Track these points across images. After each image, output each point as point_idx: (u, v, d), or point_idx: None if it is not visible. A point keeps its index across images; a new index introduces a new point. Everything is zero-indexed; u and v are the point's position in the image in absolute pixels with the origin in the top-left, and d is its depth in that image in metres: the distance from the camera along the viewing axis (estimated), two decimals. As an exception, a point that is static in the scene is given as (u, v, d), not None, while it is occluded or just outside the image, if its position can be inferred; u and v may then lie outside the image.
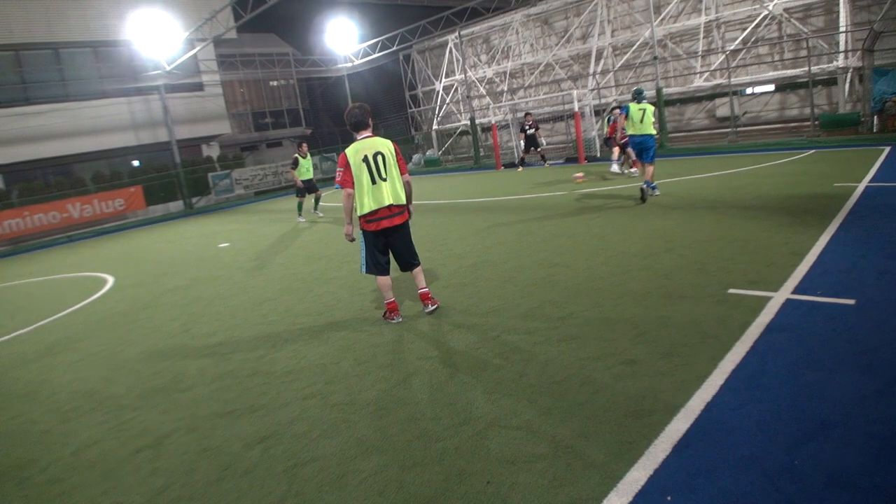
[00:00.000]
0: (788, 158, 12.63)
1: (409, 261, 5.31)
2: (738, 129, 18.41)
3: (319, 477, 2.95)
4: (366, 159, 4.95)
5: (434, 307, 5.38)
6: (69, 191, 22.12)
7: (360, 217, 5.06)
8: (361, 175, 4.96)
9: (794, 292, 4.56)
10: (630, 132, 10.54)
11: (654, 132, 10.23)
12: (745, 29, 19.40)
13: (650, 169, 10.10)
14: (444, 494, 2.64)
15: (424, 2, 28.79)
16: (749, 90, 20.34)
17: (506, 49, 27.31)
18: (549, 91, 24.98)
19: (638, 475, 2.58)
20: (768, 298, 4.48)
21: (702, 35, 20.25)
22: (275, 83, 32.97)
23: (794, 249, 5.65)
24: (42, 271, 13.12)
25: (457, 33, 26.23)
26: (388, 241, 5.18)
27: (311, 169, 14.90)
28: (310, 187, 14.88)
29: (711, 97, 20.99)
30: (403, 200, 5.14)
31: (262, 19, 20.00)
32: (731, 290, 4.76)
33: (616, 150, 14.49)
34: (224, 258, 10.60)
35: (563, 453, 2.82)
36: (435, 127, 30.08)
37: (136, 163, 25.73)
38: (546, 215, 9.93)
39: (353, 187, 5.00)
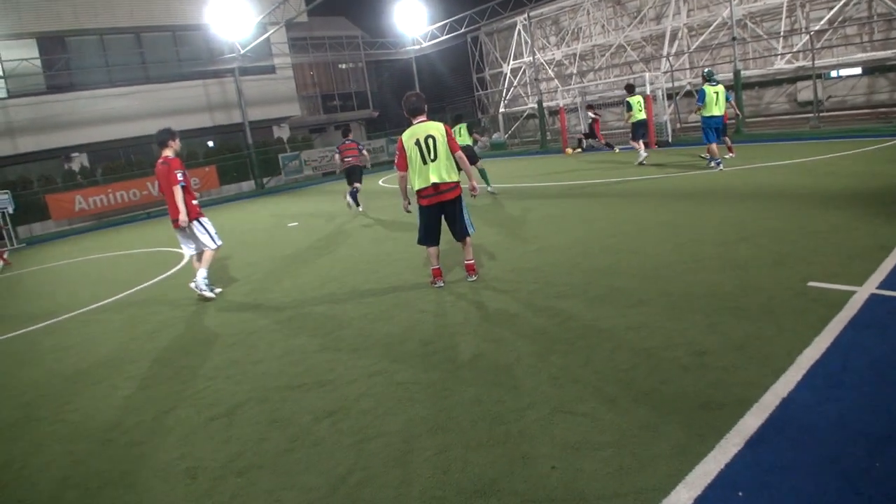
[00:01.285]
0: (876, 146, 11.87)
1: (461, 231, 5.81)
2: (822, 114, 17.42)
3: (385, 452, 3.01)
4: (418, 143, 5.53)
5: (475, 277, 5.95)
6: (148, 169, 23.17)
7: (416, 193, 5.70)
8: (414, 157, 5.57)
9: (879, 287, 4.29)
10: (709, 114, 11.24)
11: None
12: (831, 8, 18.24)
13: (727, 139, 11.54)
14: (509, 477, 2.65)
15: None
16: (834, 73, 19.18)
17: (576, 30, 26.71)
18: (620, 74, 24.30)
19: (708, 468, 2.51)
20: (852, 293, 4.24)
21: (784, 14, 19.19)
22: (343, 66, 33.43)
23: (881, 242, 5.31)
24: (124, 245, 13.87)
25: (526, 15, 25.84)
26: (442, 213, 5.75)
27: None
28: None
29: (793, 80, 19.91)
30: (453, 178, 5.64)
31: (333, 3, 20.36)
32: (811, 283, 4.52)
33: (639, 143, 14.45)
34: (293, 236, 10.91)
35: (630, 442, 2.77)
36: (502, 110, 29.85)
37: (210, 143, 26.71)
38: (612, 201, 9.74)
39: (405, 169, 5.65)
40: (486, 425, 3.13)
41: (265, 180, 25.19)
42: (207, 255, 6.99)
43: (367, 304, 5.76)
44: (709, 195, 8.99)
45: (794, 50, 19.02)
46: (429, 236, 5.79)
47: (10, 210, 18.34)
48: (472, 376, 3.76)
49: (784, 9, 19.12)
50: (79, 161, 23.51)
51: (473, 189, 5.97)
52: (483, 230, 8.72)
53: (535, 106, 26.04)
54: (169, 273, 9.19)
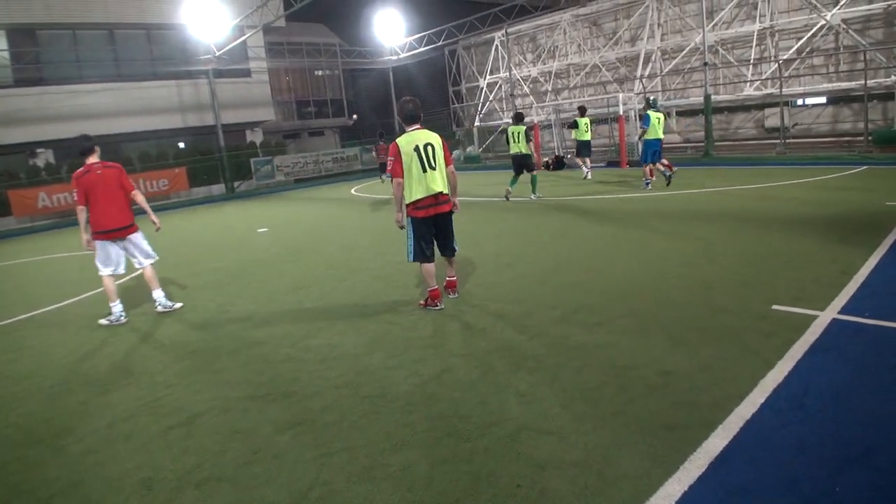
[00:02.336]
0: (839, 174, 12.23)
1: (451, 247, 5.59)
2: (788, 140, 17.91)
3: (349, 468, 2.96)
4: (417, 149, 5.20)
5: (456, 295, 5.73)
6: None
7: (410, 204, 5.27)
8: (412, 164, 5.20)
9: (840, 312, 4.40)
10: (652, 137, 12.21)
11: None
12: (800, 38, 18.85)
13: (667, 162, 12.53)
14: (473, 495, 2.62)
15: (473, -3, 28.71)
16: (800, 101, 19.77)
17: (552, 48, 27.07)
18: (595, 93, 24.67)
19: (672, 490, 2.51)
20: (814, 317, 4.33)
21: (755, 43, 19.76)
22: (320, 73, 33.30)
23: (841, 268, 5.46)
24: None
25: (504, 31, 26.10)
26: (435, 228, 5.41)
27: None
28: None
29: (761, 107, 20.48)
30: (448, 191, 5.39)
31: (312, 9, 20.23)
32: (775, 306, 4.61)
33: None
34: (262, 243, 10.75)
35: (596, 462, 2.77)
36: (477, 123, 30.00)
37: (181, 144, 26.28)
38: (583, 218, 9.82)
39: (402, 177, 5.22)
40: (452, 442, 3.09)
41: (236, 184, 24.84)
42: (152, 272, 6.43)
43: (334, 313, 5.69)
44: (676, 216, 9.14)
45: (763, 77, 19.56)
46: (425, 251, 5.37)
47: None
48: (439, 391, 3.72)
49: (755, 37, 19.69)
50: (44, 157, 22.88)
51: (455, 206, 5.56)
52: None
53: (510, 121, 26.25)
54: (132, 275, 8.96)
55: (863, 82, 16.27)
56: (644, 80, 22.36)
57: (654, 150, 12.30)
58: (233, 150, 25.22)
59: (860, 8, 17.48)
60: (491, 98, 29.91)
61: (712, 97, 18.96)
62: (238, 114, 26.29)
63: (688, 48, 21.35)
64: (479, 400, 3.54)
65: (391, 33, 28.75)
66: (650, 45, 22.71)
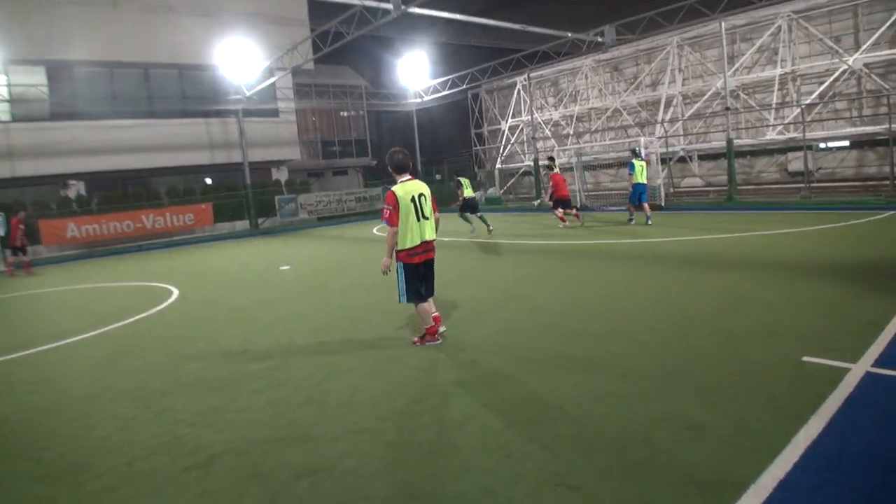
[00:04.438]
0: (866, 219, 12.07)
1: (431, 291, 5.83)
2: (812, 184, 17.76)
3: (368, 518, 2.90)
4: (413, 199, 5.48)
5: (444, 327, 5.96)
6: (144, 202, 23.22)
7: (403, 251, 5.53)
8: (409, 213, 5.47)
9: (874, 365, 4.27)
10: (637, 181, 14.34)
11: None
12: (822, 83, 18.86)
13: (647, 206, 14.58)
14: (496, 552, 2.55)
15: (496, 44, 29.30)
16: (823, 145, 19.65)
17: (574, 93, 27.37)
18: (616, 137, 24.80)
19: (703, 554, 2.42)
20: (846, 370, 4.21)
21: (776, 87, 19.79)
22: (345, 114, 33.97)
23: (873, 318, 5.33)
24: (113, 277, 13.72)
25: (526, 75, 26.51)
26: (423, 273, 5.68)
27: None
28: None
29: (784, 150, 20.39)
30: (435, 237, 5.70)
31: (339, 53, 20.78)
32: (806, 358, 4.50)
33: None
34: (285, 281, 10.82)
35: (622, 521, 2.69)
36: (498, 166, 30.24)
37: (208, 180, 26.85)
38: (604, 263, 9.77)
39: (398, 225, 5.47)
40: (475, 496, 3.02)
41: (260, 220, 25.20)
42: None
43: (357, 356, 5.67)
44: (700, 262, 9.05)
45: (786, 122, 19.53)
46: (420, 293, 5.64)
47: (2, 233, 18.24)
48: (462, 440, 3.66)
49: (776, 82, 19.74)
50: (75, 188, 23.50)
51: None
52: (471, 288, 8.71)
53: (532, 164, 26.43)
54: (156, 309, 9.06)
55: (887, 126, 16.17)
56: (665, 124, 22.45)
57: (640, 193, 14.47)
58: (258, 188, 25.70)
59: (882, 53, 17.50)
60: (513, 141, 30.19)
61: (734, 141, 18.95)
62: (265, 152, 26.86)
63: (709, 93, 21.46)
64: (502, 452, 3.46)
65: (416, 77, 29.35)
66: (671, 89, 22.88)
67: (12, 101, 21.76)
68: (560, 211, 15.13)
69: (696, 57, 22.36)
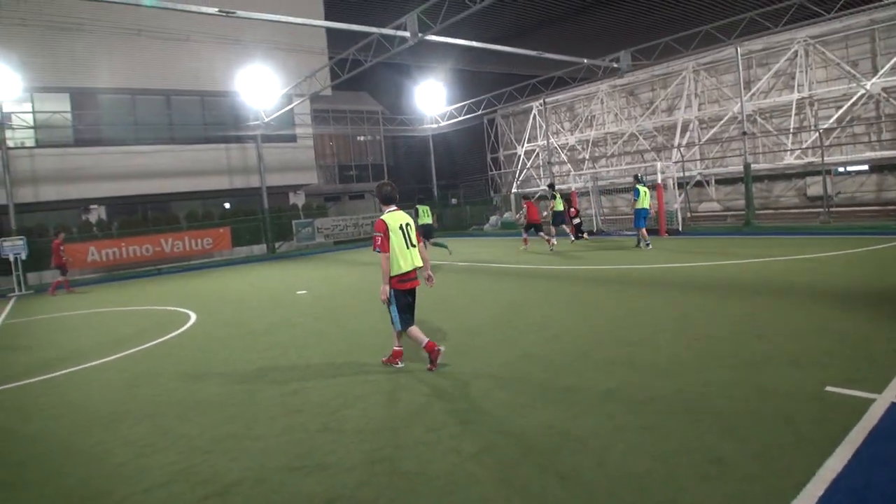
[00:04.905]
0: (887, 244, 11.91)
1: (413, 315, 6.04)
2: (831, 209, 17.59)
3: (385, 550, 2.87)
4: (401, 227, 5.79)
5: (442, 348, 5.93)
6: (164, 226, 23.55)
7: (395, 277, 5.76)
8: (400, 241, 5.76)
9: (899, 396, 4.19)
10: (641, 206, 15.06)
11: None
12: (839, 107, 18.78)
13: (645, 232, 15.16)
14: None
15: (511, 70, 29.58)
16: (841, 169, 19.50)
17: (589, 118, 27.48)
18: (632, 161, 24.80)
19: None
20: (871, 400, 4.12)
21: (794, 112, 19.74)
22: (362, 138, 34.37)
23: (897, 347, 5.25)
24: (132, 301, 13.87)
25: (541, 100, 26.70)
26: (412, 299, 5.95)
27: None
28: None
29: (802, 175, 20.25)
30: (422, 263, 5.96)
31: (357, 79, 21.11)
32: (829, 388, 4.42)
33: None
34: (302, 305, 10.86)
35: (644, 557, 2.63)
36: (514, 190, 30.32)
37: (227, 205, 27.18)
38: (624, 289, 9.70)
39: (389, 252, 5.74)
40: (493, 527, 2.98)
41: (277, 245, 25.42)
42: None
43: (373, 382, 5.65)
44: (719, 288, 8.95)
45: (804, 146, 19.42)
46: (410, 318, 5.91)
47: (24, 256, 18.61)
48: (479, 471, 3.61)
49: (793, 106, 19.69)
50: (97, 213, 23.91)
51: (430, 278, 6.15)
52: (490, 310, 8.69)
53: (548, 188, 26.45)
54: (175, 333, 9.13)
55: (908, 151, 16.03)
56: (682, 148, 22.43)
57: (644, 217, 15.20)
58: (276, 212, 25.97)
59: (901, 78, 17.43)
60: (528, 165, 30.30)
61: (752, 165, 18.87)
62: (282, 177, 27.18)
63: (726, 117, 21.45)
64: (520, 483, 3.42)
65: (432, 103, 29.69)
66: (687, 114, 22.90)
67: (37, 127, 22.30)
68: (542, 232, 17.35)
69: (712, 82, 22.40)
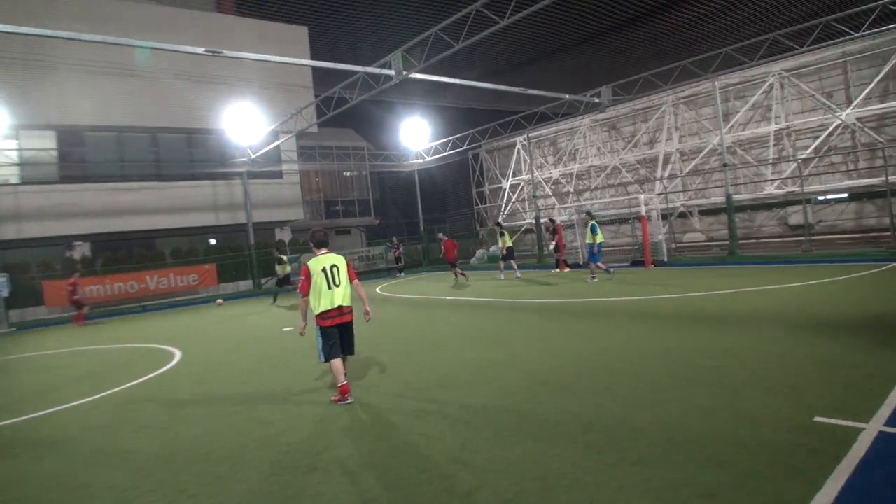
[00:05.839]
0: (868, 270, 12.10)
1: (347, 350, 6.51)
2: (813, 237, 17.86)
3: None
4: (324, 270, 6.27)
5: (351, 399, 6.24)
6: (149, 263, 23.37)
7: (318, 315, 6.24)
8: (321, 282, 6.23)
9: (886, 424, 4.21)
10: (599, 241, 15.59)
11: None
12: (816, 137, 19.24)
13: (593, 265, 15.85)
14: None
15: (495, 106, 30.06)
16: (821, 198, 19.88)
17: (573, 151, 27.89)
18: (616, 193, 25.13)
19: None
20: (859, 430, 4.14)
21: (772, 143, 20.19)
22: (348, 174, 34.58)
23: (882, 374, 5.29)
24: (116, 339, 13.67)
25: (525, 135, 27.09)
26: (340, 333, 6.34)
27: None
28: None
29: (783, 204, 20.62)
30: (350, 304, 6.37)
31: (342, 116, 21.32)
32: (817, 418, 4.43)
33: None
34: (287, 342, 10.76)
35: None
36: (500, 219, 30.53)
37: (213, 241, 27.07)
38: (605, 320, 9.73)
39: (308, 294, 6.29)
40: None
41: (263, 281, 25.27)
42: None
43: (361, 421, 5.58)
44: (704, 319, 9.01)
45: (784, 176, 19.81)
46: (334, 350, 6.28)
47: (6, 294, 18.38)
48: (469, 509, 3.58)
49: (772, 138, 20.14)
50: (81, 250, 23.72)
51: (367, 314, 6.72)
52: (480, 340, 8.66)
53: (533, 221, 26.69)
54: (159, 372, 9.00)
55: (884, 178, 16.38)
56: (664, 180, 22.77)
57: (600, 250, 15.77)
58: (262, 248, 25.90)
59: (874, 107, 17.94)
60: (514, 199, 30.58)
61: (733, 196, 19.17)
62: (269, 213, 27.21)
63: (706, 149, 21.87)
64: (511, 520, 3.38)
65: (417, 138, 30.01)
66: (668, 146, 23.32)
67: (22, 164, 22.23)
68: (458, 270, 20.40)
69: (691, 115, 22.89)
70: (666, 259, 19.09)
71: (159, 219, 24.37)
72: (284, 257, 19.49)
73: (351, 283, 6.48)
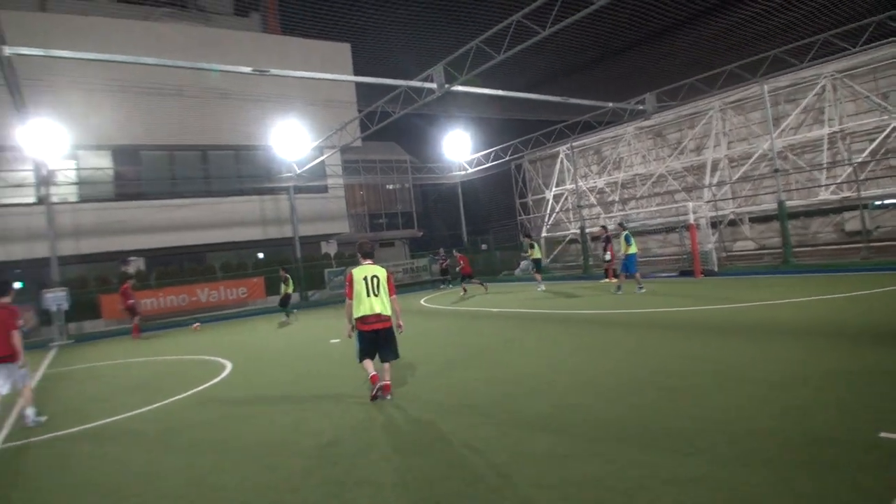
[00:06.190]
0: (935, 282, 11.51)
1: (387, 356, 7.02)
2: (871, 244, 17.12)
3: None
4: (366, 279, 6.83)
5: (389, 397, 6.87)
6: (200, 277, 24.04)
7: (357, 319, 6.85)
8: (362, 290, 6.81)
9: (958, 441, 3.99)
10: (634, 251, 15.30)
11: None
12: (873, 140, 18.47)
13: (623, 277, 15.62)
14: None
15: (538, 116, 29.97)
16: (879, 202, 19.04)
17: (617, 160, 27.51)
18: (663, 202, 24.64)
19: None
20: (929, 447, 3.93)
21: (825, 147, 19.47)
22: (391, 187, 34.94)
23: (954, 390, 5.01)
24: (168, 350, 14.07)
25: (569, 145, 26.89)
26: (376, 339, 6.90)
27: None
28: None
29: (839, 210, 19.82)
30: (388, 313, 6.91)
31: (385, 130, 21.59)
32: (884, 434, 4.21)
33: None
34: (335, 354, 10.87)
35: None
36: (544, 234, 30.29)
37: (260, 255, 27.69)
38: (659, 332, 9.52)
39: (352, 298, 6.85)
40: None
41: (310, 293, 25.68)
42: (29, 393, 7.55)
43: (407, 434, 5.58)
44: (760, 330, 8.71)
45: (839, 181, 19.08)
46: (367, 353, 6.94)
47: (65, 307, 19.18)
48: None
49: (825, 141, 19.43)
50: (135, 264, 24.60)
51: (399, 326, 7.13)
52: (528, 353, 8.59)
53: (578, 231, 26.40)
54: (211, 383, 9.20)
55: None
56: (713, 188, 22.24)
57: (632, 262, 15.25)
58: (308, 261, 26.36)
59: (934, 109, 17.14)
60: (558, 209, 30.31)
61: (786, 203, 18.58)
62: (315, 227, 27.69)
63: (756, 155, 21.25)
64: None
65: (460, 151, 30.12)
66: (716, 153, 22.76)
67: (80, 183, 23.25)
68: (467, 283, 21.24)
69: (739, 120, 22.33)
70: (716, 268, 18.60)
71: (209, 233, 25.09)
72: (289, 277, 19.16)
73: (389, 297, 6.97)
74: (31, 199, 22.34)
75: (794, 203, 20.04)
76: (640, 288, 15.29)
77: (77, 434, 6.93)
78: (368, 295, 6.81)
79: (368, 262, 7.08)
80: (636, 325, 10.49)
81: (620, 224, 16.74)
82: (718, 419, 5.00)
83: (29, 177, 22.29)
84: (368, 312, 6.80)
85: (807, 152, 20.49)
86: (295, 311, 19.71)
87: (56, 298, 19.18)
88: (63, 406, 8.73)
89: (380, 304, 6.84)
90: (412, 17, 20.80)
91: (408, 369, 8.48)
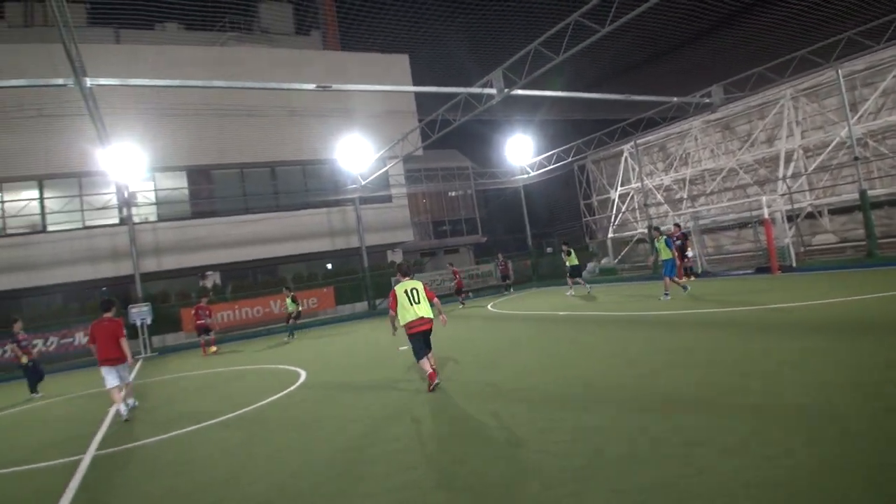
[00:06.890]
0: None
1: (429, 347, 8.17)
2: (971, 235, 15.95)
3: None
4: (406, 292, 8.08)
5: (438, 381, 8.06)
6: (272, 288, 24.89)
7: (405, 325, 8.02)
8: (405, 301, 8.02)
9: None
10: (665, 257, 14.72)
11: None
12: (967, 122, 17.23)
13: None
14: None
15: (599, 115, 29.50)
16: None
17: (684, 155, 26.74)
18: (734, 197, 23.75)
19: None
20: None
21: (911, 131, 18.30)
22: (453, 194, 35.15)
23: None
24: (245, 360, 14.61)
25: (632, 143, 26.33)
26: (423, 337, 8.07)
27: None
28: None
29: (929, 198, 18.59)
30: (431, 315, 8.08)
31: (446, 137, 21.76)
32: None
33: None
34: (405, 362, 11.01)
35: None
36: (610, 235, 29.72)
37: (329, 265, 28.41)
38: (735, 332, 9.18)
39: (395, 311, 8.11)
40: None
41: (378, 302, 26.13)
42: (131, 387, 9.46)
43: (478, 437, 5.60)
44: (847, 328, 8.25)
45: (928, 169, 17.90)
46: (420, 352, 8.04)
47: (149, 321, 20.27)
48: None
49: (910, 126, 18.29)
50: (212, 278, 25.73)
51: (443, 321, 8.52)
52: (601, 355, 8.48)
53: (645, 230, 25.79)
54: (286, 391, 9.51)
55: None
56: (787, 180, 21.27)
57: (673, 265, 14.80)
58: (375, 270, 26.86)
59: None
60: (624, 209, 29.70)
61: (869, 192, 17.57)
62: (380, 236, 28.19)
63: (833, 143, 20.20)
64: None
65: (521, 154, 29.98)
66: (790, 143, 21.78)
67: (159, 203, 24.56)
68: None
69: (813, 107, 21.31)
70: (794, 264, 17.77)
71: (280, 247, 25.97)
72: (294, 295, 19.48)
73: (431, 301, 8.17)
74: (115, 221, 23.79)
75: (877, 192, 18.92)
76: (666, 295, 14.55)
77: (163, 441, 7.31)
78: (411, 304, 7.98)
79: (406, 278, 8.32)
80: (709, 324, 10.15)
81: (657, 229, 16.46)
82: (803, 424, 4.77)
83: (112, 199, 23.73)
84: (414, 318, 7.95)
85: (888, 138, 19.34)
86: (294, 334, 19.76)
87: (140, 313, 20.35)
88: (147, 416, 9.22)
89: (422, 310, 8.00)
90: (468, 25, 20.92)
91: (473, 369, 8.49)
